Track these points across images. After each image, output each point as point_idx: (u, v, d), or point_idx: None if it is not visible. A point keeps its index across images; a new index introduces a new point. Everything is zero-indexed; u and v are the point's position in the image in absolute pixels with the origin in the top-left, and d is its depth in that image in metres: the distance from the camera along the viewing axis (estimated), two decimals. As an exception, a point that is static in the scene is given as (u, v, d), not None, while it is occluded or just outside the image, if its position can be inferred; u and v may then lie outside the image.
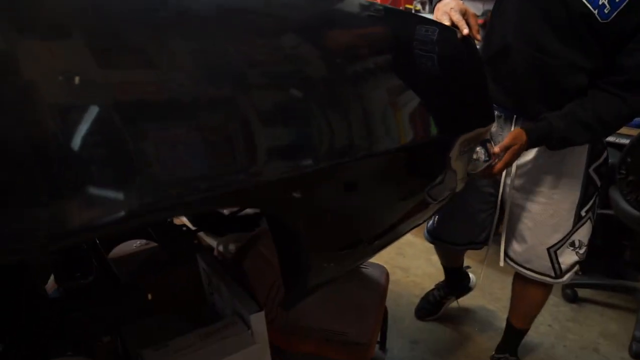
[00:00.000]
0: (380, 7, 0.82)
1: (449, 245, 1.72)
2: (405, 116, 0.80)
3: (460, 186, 1.13)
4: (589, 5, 1.11)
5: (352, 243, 0.88)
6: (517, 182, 1.48)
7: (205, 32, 0.54)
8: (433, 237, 1.75)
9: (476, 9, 3.32)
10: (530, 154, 1.42)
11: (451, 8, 1.09)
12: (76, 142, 0.43)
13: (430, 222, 1.75)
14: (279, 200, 0.68)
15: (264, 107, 0.59)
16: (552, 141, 1.26)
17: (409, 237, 2.92)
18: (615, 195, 1.98)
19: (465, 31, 1.01)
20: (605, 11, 1.09)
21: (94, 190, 0.44)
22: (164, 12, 0.51)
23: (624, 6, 1.07)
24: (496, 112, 1.43)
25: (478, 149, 1.12)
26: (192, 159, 0.51)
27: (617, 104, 1.18)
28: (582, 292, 2.32)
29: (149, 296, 1.10)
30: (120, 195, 0.46)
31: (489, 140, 1.15)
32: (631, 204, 1.84)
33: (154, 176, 0.48)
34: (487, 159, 1.13)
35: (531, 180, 1.46)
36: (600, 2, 1.09)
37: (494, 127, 1.46)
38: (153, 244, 1.30)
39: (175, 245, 1.29)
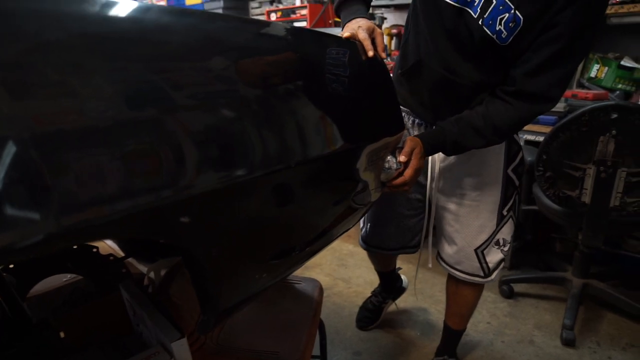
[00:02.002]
0: (285, 27, 0.82)
1: (384, 252, 1.74)
2: (306, 130, 0.80)
3: (375, 196, 1.14)
4: (488, 32, 1.18)
5: (264, 256, 0.87)
6: (441, 185, 1.53)
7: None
8: (367, 244, 1.76)
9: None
10: (451, 158, 1.47)
11: (359, 26, 1.11)
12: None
13: (363, 229, 1.76)
14: (170, 227, 0.65)
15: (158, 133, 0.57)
16: (446, 146, 1.29)
17: (349, 247, 2.93)
18: (537, 191, 2.06)
19: (370, 53, 1.04)
20: (503, 36, 1.16)
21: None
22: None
23: (518, 32, 1.15)
24: (416, 120, 1.51)
25: (389, 157, 1.13)
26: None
27: (508, 110, 1.23)
28: (517, 287, 2.40)
29: (62, 334, 1.04)
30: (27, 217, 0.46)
31: (400, 149, 1.17)
32: (551, 199, 1.92)
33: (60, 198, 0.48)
34: (398, 167, 1.14)
35: (454, 184, 1.50)
36: (497, 28, 1.16)
37: (412, 131, 1.51)
38: (80, 277, 1.25)
39: (102, 276, 1.24)
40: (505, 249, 1.56)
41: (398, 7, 3.33)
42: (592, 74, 2.53)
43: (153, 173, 0.57)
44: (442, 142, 1.28)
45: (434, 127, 1.41)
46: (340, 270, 2.66)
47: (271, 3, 4.23)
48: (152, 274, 1.32)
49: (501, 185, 1.48)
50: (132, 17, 0.60)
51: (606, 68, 2.50)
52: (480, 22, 1.18)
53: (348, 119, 0.92)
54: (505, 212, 1.51)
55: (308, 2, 3.86)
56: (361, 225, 1.79)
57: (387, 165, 1.13)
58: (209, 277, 0.78)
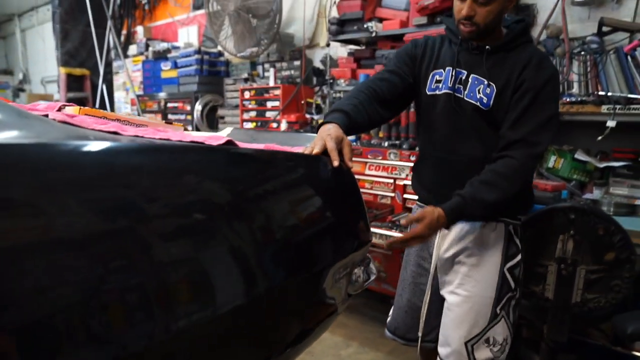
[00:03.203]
0: (246, 152, 0.84)
1: (406, 342, 1.76)
2: (265, 261, 0.79)
3: (341, 308, 1.13)
4: (472, 102, 1.48)
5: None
6: (440, 275, 1.61)
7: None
8: (390, 332, 1.80)
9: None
10: (451, 250, 1.56)
11: (328, 134, 1.18)
12: None
13: (389, 318, 1.82)
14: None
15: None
16: (467, 207, 1.38)
17: (319, 332, 2.85)
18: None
19: (335, 163, 1.08)
20: (484, 101, 1.46)
21: None
22: None
23: (495, 95, 1.44)
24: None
25: (356, 270, 1.13)
26: None
27: (506, 161, 1.40)
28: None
29: None
30: None
31: (369, 261, 1.18)
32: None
33: None
34: (367, 278, 1.15)
35: (452, 274, 1.57)
36: (478, 97, 1.47)
37: None
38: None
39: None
40: (495, 349, 1.55)
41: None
42: (550, 165, 2.66)
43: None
44: (461, 204, 1.38)
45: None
46: (307, 358, 2.57)
47: (245, 81, 4.36)
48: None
49: (497, 282, 1.53)
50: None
51: (562, 159, 2.63)
52: (466, 98, 1.49)
53: (313, 242, 0.93)
54: (498, 311, 1.54)
55: (281, 82, 4.00)
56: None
57: (354, 277, 1.13)
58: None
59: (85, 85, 6.48)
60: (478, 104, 1.46)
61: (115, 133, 0.85)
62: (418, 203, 1.71)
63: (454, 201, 1.40)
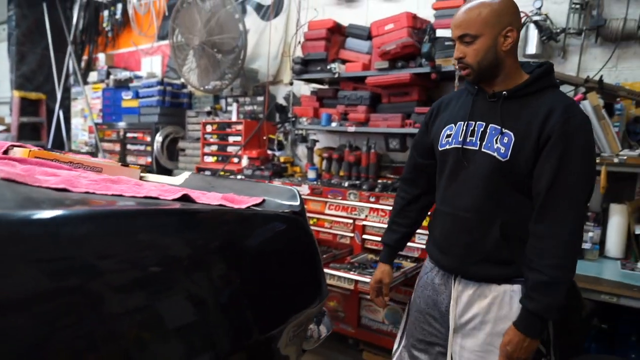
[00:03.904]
0: (198, 212, 0.82)
1: None
2: (216, 327, 0.77)
3: (296, 366, 1.11)
4: (489, 152, 1.37)
5: None
6: (460, 341, 1.48)
7: None
8: None
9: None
10: (466, 314, 1.45)
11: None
12: None
13: None
14: None
15: None
16: (551, 312, 1.30)
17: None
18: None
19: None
20: (502, 151, 1.34)
21: None
22: None
23: (513, 145, 1.33)
24: (436, 268, 1.56)
25: (312, 325, 1.12)
26: None
27: (547, 240, 1.29)
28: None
29: None
30: None
31: (323, 314, 1.16)
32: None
33: None
34: (322, 333, 1.13)
35: (470, 340, 1.45)
36: (495, 147, 1.36)
37: (437, 280, 1.54)
38: None
39: None
40: None
41: (329, 131, 3.53)
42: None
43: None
44: (534, 313, 1.29)
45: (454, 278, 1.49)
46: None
47: (208, 114, 4.34)
48: None
49: None
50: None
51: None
52: (482, 150, 1.38)
53: (268, 303, 0.91)
54: None
55: (244, 117, 4.00)
56: None
57: (309, 333, 1.12)
58: None
59: (40, 110, 6.29)
60: (495, 154, 1.35)
61: (64, 190, 0.82)
62: (430, 261, 1.61)
63: (527, 318, 1.31)
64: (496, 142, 1.36)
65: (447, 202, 1.49)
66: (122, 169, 1.52)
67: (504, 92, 1.38)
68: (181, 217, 0.77)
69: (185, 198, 1.01)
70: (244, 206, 1.10)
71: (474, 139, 1.41)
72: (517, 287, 1.38)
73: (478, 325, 1.43)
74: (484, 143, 1.39)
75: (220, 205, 1.06)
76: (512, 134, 1.33)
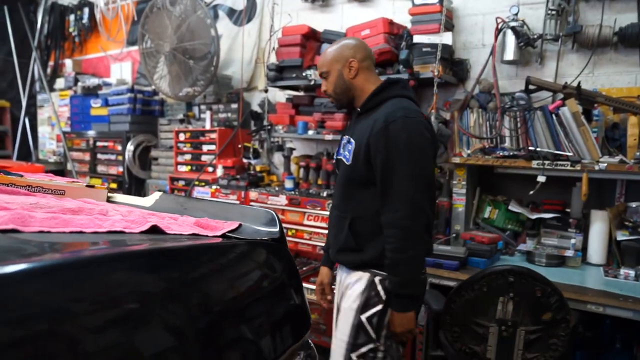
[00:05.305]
0: (167, 250, 0.74)
1: None
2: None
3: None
4: (342, 158, 1.71)
5: None
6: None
7: None
8: None
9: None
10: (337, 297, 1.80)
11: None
12: None
13: None
14: None
15: None
16: (405, 288, 1.56)
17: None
18: (444, 340, 2.06)
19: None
20: (347, 157, 1.66)
21: None
22: None
23: (353, 151, 1.63)
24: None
25: (296, 359, 1.04)
26: None
27: (387, 230, 1.54)
28: None
29: None
30: None
31: (309, 344, 1.09)
32: (458, 354, 1.91)
33: None
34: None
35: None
36: (344, 153, 1.69)
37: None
38: None
39: None
40: None
41: (306, 139, 3.46)
42: (486, 215, 2.72)
43: None
44: (392, 292, 1.57)
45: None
46: None
47: (181, 122, 4.21)
48: None
49: (351, 327, 1.60)
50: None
51: (497, 210, 2.70)
52: (339, 156, 1.74)
53: (250, 344, 0.83)
54: (354, 358, 1.59)
55: (218, 125, 3.89)
56: None
57: (293, 369, 1.03)
58: None
59: (4, 118, 6.02)
60: (344, 159, 1.68)
61: (14, 230, 0.72)
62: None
63: (394, 299, 1.58)
64: (345, 150, 1.69)
65: (334, 205, 1.81)
66: (87, 190, 1.41)
67: (358, 109, 1.71)
68: (146, 260, 0.68)
69: (154, 230, 0.92)
70: (219, 233, 1.02)
71: (342, 149, 1.74)
72: (366, 276, 1.62)
73: (337, 305, 1.76)
74: (343, 151, 1.71)
75: (194, 234, 0.98)
76: (354, 142, 1.64)
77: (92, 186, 1.45)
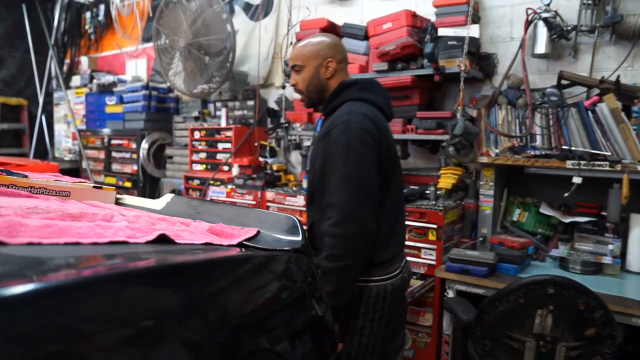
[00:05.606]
0: (174, 266, 0.63)
1: None
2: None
3: None
4: (309, 162, 1.69)
5: None
6: None
7: None
8: None
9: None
10: None
11: None
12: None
13: None
14: None
15: None
16: (332, 299, 1.33)
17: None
18: (473, 352, 1.93)
19: None
20: (309, 161, 1.67)
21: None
22: None
23: (310, 155, 1.68)
24: None
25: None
26: None
27: (324, 237, 1.45)
28: None
29: None
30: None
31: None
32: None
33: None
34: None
35: None
36: (310, 157, 1.69)
37: None
38: None
39: None
40: None
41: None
42: (515, 218, 2.57)
43: None
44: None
45: None
46: None
47: (196, 120, 4.12)
48: None
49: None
50: None
51: (527, 213, 2.56)
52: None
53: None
54: None
55: (234, 123, 3.79)
56: None
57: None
58: None
59: (22, 116, 6.02)
60: (309, 162, 1.70)
61: (1, 243, 0.62)
62: None
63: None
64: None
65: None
66: (94, 191, 1.31)
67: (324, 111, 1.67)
68: (145, 281, 0.57)
69: (163, 237, 0.81)
70: (235, 241, 0.91)
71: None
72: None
73: None
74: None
75: (207, 243, 0.87)
76: (313, 147, 1.64)
77: (100, 187, 1.35)
